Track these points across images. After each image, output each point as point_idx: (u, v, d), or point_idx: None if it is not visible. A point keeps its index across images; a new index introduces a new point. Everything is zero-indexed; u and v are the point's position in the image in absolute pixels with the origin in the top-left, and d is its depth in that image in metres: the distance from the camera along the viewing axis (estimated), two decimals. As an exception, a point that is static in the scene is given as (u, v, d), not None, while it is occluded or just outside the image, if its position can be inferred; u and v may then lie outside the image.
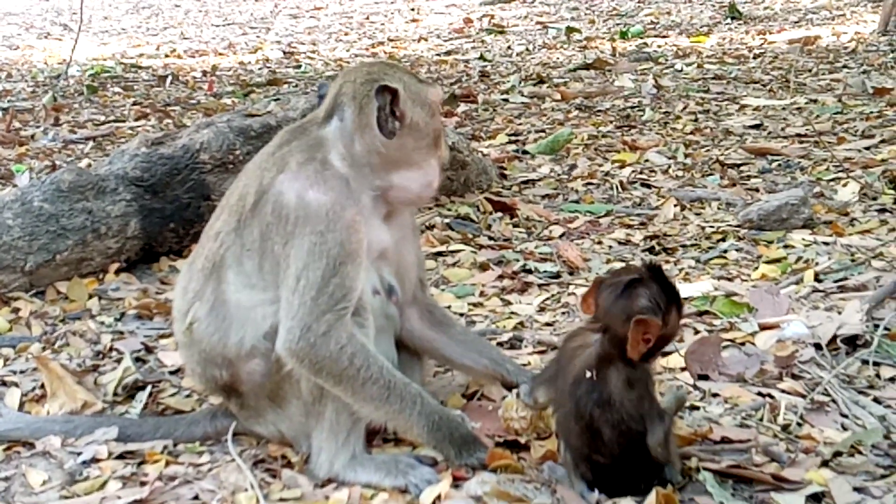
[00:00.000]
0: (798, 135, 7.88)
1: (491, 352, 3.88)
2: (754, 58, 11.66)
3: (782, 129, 8.08)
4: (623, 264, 5.02)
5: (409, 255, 3.71)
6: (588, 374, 3.09)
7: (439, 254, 5.49)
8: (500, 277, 5.15)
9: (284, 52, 14.65)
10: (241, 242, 3.43)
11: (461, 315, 4.67)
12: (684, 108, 9.11)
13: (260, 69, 13.06)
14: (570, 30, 14.80)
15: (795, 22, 14.59)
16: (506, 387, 3.74)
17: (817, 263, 4.99)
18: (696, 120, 8.62)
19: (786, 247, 5.33)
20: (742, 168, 7.06)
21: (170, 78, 12.19)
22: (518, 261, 5.36)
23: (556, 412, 3.24)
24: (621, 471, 3.09)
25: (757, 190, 6.50)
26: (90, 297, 4.96)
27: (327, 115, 3.52)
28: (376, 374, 3.29)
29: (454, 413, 3.51)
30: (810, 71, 10.62)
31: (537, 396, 3.33)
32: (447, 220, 5.97)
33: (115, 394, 4.01)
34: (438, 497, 3.18)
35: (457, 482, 3.27)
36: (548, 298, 4.88)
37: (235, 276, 3.44)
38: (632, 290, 3.10)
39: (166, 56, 14.79)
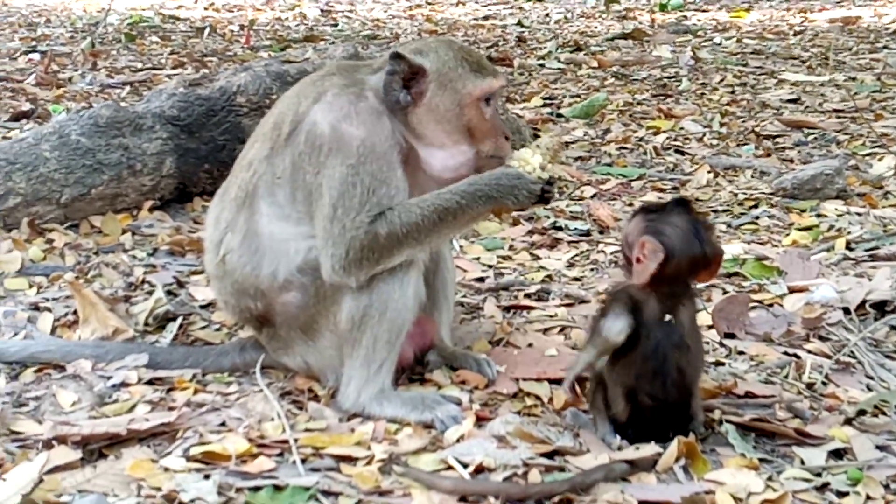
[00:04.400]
0: (836, 110, 7.84)
1: None
2: (794, 35, 11.59)
3: (820, 104, 8.04)
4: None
5: None
6: (668, 318, 3.11)
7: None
8: (531, 233, 5.17)
9: (322, 11, 14.65)
10: (272, 171, 3.45)
11: (489, 267, 4.69)
12: (721, 80, 9.08)
13: (297, 25, 13.07)
14: (609, 0, 14.72)
15: (837, 2, 14.47)
16: None
17: (849, 232, 4.99)
18: (732, 92, 8.58)
19: (818, 215, 5.33)
20: (778, 139, 7.04)
21: (207, 30, 12.22)
22: (549, 217, 5.38)
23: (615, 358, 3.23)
24: (665, 414, 3.12)
25: (792, 161, 6.48)
26: (124, 232, 5.01)
27: (379, 67, 3.53)
28: (419, 210, 3.34)
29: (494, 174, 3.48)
30: (850, 49, 10.55)
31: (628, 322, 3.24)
32: (479, 176, 5.98)
33: (146, 323, 4.05)
34: (462, 437, 3.23)
35: (480, 422, 3.30)
36: (577, 255, 4.90)
37: (268, 207, 3.47)
38: (643, 215, 3.18)
39: (205, 9, 14.81)
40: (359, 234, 3.29)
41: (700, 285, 3.47)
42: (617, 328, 3.12)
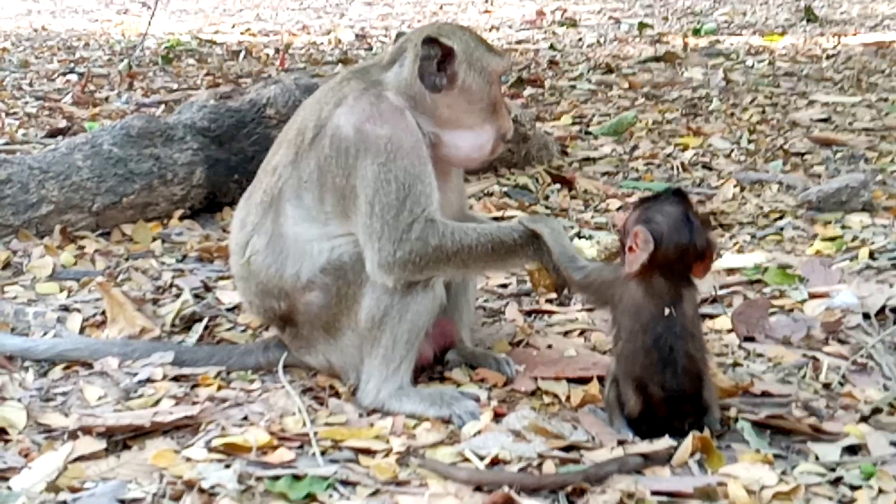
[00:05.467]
0: (865, 129, 7.82)
1: None
2: (827, 58, 11.56)
3: (850, 123, 8.03)
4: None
5: (454, 200, 3.77)
6: (668, 312, 3.16)
7: (495, 219, 5.52)
8: (555, 242, 5.19)
9: (357, 35, 14.78)
10: (298, 175, 3.53)
11: (512, 273, 4.71)
12: (752, 100, 9.07)
13: (332, 49, 13.19)
14: (642, 25, 14.76)
15: (872, 27, 14.44)
16: None
17: (873, 243, 4.98)
18: (763, 112, 8.58)
19: (843, 227, 5.33)
20: (806, 156, 7.03)
21: (243, 53, 12.36)
22: (573, 227, 5.41)
23: (618, 346, 3.28)
24: (678, 405, 3.16)
25: (819, 176, 6.48)
26: (154, 239, 5.09)
27: (391, 61, 3.60)
28: (475, 237, 3.40)
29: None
30: (883, 72, 10.51)
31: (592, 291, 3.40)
32: (505, 189, 6.04)
33: (172, 324, 4.13)
34: (479, 431, 3.27)
35: (497, 417, 3.35)
36: (600, 263, 4.92)
37: (294, 210, 3.54)
38: (641, 205, 3.27)
39: (241, 34, 14.99)
40: (410, 238, 3.35)
41: (702, 283, 3.48)
42: (578, 276, 3.35)
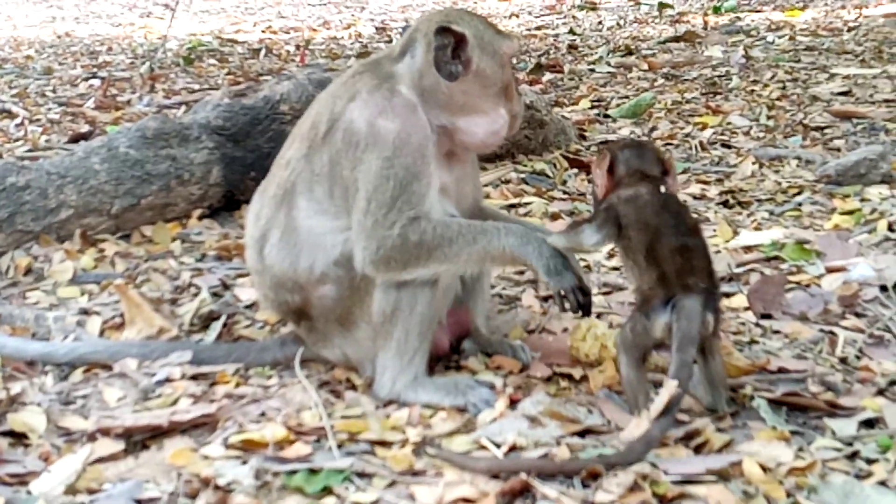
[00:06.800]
0: (886, 100, 7.78)
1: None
2: (848, 31, 11.49)
3: (870, 96, 7.98)
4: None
5: (469, 192, 3.78)
6: (662, 189, 3.34)
7: (512, 206, 5.55)
8: (572, 226, 5.18)
9: (377, 28, 14.80)
10: (311, 168, 3.54)
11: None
12: (772, 76, 9.03)
13: (352, 43, 13.22)
14: (662, 6, 14.71)
15: (894, -2, 14.31)
16: None
17: (892, 214, 4.95)
18: (783, 87, 8.54)
19: (862, 200, 5.31)
20: (826, 130, 7.00)
21: (263, 51, 12.40)
22: (590, 211, 5.39)
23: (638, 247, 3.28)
24: (690, 257, 3.19)
25: (838, 150, 6.45)
26: (173, 240, 5.11)
27: (401, 52, 3.61)
28: (457, 230, 3.39)
29: (540, 228, 3.62)
30: (905, 42, 10.44)
31: (590, 241, 3.36)
32: (522, 176, 6.04)
33: (191, 324, 4.15)
34: (494, 419, 3.28)
35: (513, 403, 3.36)
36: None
37: (307, 203, 3.56)
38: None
39: (262, 32, 15.04)
40: (392, 234, 3.36)
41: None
42: (594, 239, 3.32)
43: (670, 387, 3.00)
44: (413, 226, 3.36)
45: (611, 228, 3.29)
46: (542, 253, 3.35)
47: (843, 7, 13.54)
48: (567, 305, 3.35)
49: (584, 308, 3.35)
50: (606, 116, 7.74)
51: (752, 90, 8.51)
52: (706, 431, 3.10)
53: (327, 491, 2.94)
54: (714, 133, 7.03)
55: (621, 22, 13.84)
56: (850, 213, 5.08)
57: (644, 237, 3.22)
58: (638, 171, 3.39)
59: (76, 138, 7.32)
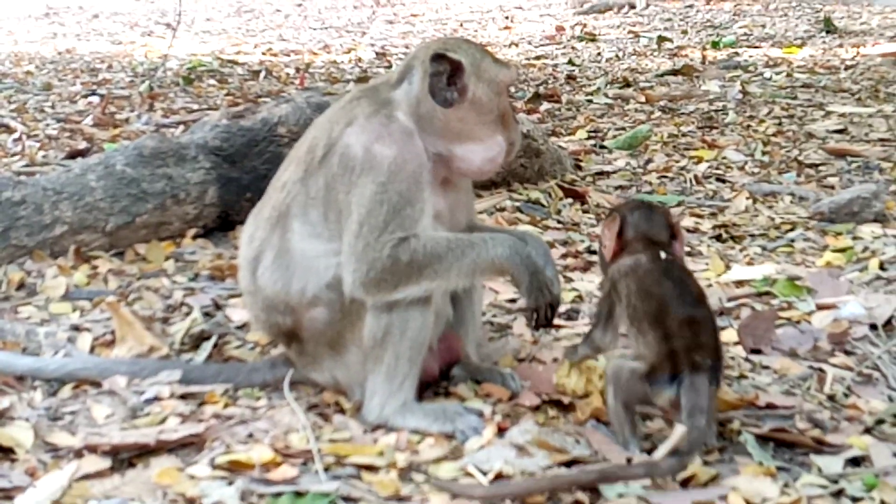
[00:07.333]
0: (881, 139, 7.82)
1: None
2: (845, 69, 11.55)
3: (866, 134, 8.02)
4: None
5: (462, 219, 3.78)
6: (664, 255, 3.36)
7: (505, 234, 5.56)
8: (564, 256, 5.21)
9: (377, 54, 14.85)
10: (306, 192, 3.55)
11: (521, 287, 4.73)
12: (769, 112, 9.08)
13: (352, 68, 13.26)
14: (661, 39, 14.78)
15: (891, 37, 14.39)
16: None
17: (884, 253, 4.98)
18: (779, 123, 8.59)
19: (854, 238, 5.33)
20: (820, 168, 7.03)
21: (263, 73, 12.44)
22: (584, 242, 5.42)
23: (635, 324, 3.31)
24: (698, 330, 3.18)
25: (832, 187, 6.48)
26: (167, 258, 5.12)
27: (399, 79, 3.63)
28: (446, 245, 3.41)
29: (529, 240, 3.63)
30: (901, 82, 10.49)
31: (604, 342, 3.45)
32: (517, 204, 6.06)
33: (181, 343, 4.15)
34: (482, 446, 3.28)
35: (501, 431, 3.36)
36: (609, 277, 4.93)
37: (301, 226, 3.57)
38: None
39: (262, 54, 15.08)
40: (381, 256, 3.37)
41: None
42: (606, 341, 3.45)
43: (679, 431, 3.02)
44: (403, 245, 3.37)
45: (615, 322, 3.40)
46: (527, 267, 3.41)
47: (841, 45, 13.61)
48: (534, 321, 3.47)
49: (547, 325, 3.49)
50: (602, 147, 7.77)
51: (748, 125, 8.55)
52: (693, 465, 3.09)
53: (313, 514, 2.95)
54: (709, 167, 7.06)
55: (620, 54, 13.90)
56: (842, 250, 5.11)
57: (648, 307, 3.24)
58: (646, 235, 3.42)
59: (73, 155, 7.33)
